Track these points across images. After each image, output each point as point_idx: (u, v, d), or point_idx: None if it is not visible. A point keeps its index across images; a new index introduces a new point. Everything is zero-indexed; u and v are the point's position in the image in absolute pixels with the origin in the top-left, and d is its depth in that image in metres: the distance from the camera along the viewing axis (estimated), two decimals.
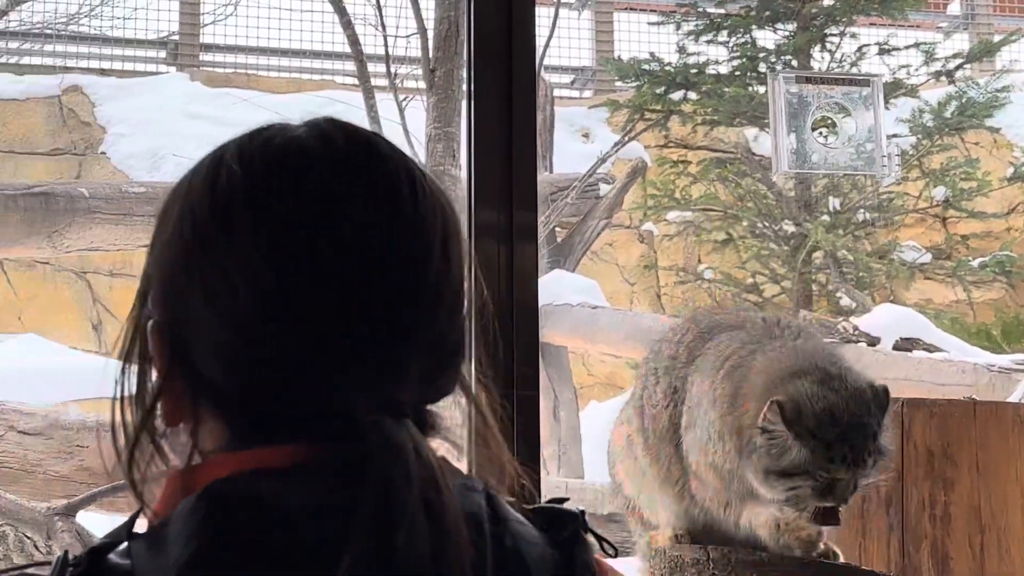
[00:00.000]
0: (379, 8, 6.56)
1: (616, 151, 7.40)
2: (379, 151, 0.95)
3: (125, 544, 0.87)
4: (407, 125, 6.49)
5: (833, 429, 1.82)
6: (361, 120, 6.53)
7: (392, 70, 6.66)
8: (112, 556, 0.87)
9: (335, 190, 0.91)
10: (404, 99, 6.62)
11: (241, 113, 8.48)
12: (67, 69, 9.05)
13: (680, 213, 8.22)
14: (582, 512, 0.97)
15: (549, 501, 1.01)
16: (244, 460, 0.89)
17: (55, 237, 6.17)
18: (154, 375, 0.94)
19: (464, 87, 6.25)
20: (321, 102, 8.39)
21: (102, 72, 9.06)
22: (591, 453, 6.59)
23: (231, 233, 0.90)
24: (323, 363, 0.89)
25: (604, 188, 7.29)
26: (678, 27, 8.07)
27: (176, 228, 0.92)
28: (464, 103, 6.28)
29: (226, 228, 0.91)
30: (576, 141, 8.68)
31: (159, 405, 0.93)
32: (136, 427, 0.94)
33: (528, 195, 1.84)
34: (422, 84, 6.71)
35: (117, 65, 9.21)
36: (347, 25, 6.57)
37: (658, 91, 7.66)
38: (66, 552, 0.89)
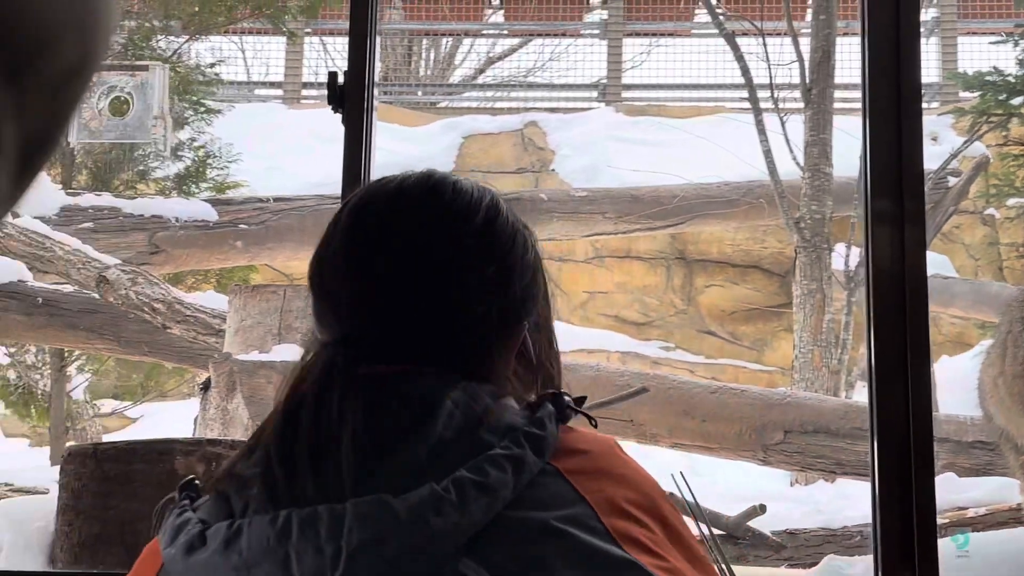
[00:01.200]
0: (764, 43, 6.46)
1: (964, 148, 6.90)
2: (454, 187, 0.92)
3: None
4: (787, 135, 6.35)
5: None
6: (750, 132, 6.49)
7: (774, 92, 6.53)
8: None
9: (410, 222, 0.90)
10: (784, 116, 6.47)
11: (654, 135, 8.59)
12: (527, 109, 9.41)
13: (1019, 199, 7.58)
14: (560, 396, 0.87)
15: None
16: None
17: None
18: None
19: (833, 104, 6.13)
20: (716, 121, 8.33)
21: (551, 110, 9.38)
22: (942, 396, 6.25)
23: (337, 247, 0.93)
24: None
25: (952, 180, 6.84)
26: (1016, 44, 7.42)
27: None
28: (835, 116, 6.13)
29: (334, 243, 0.95)
30: (927, 144, 8.17)
31: None
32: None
33: (915, 186, 1.76)
34: (795, 104, 6.55)
35: (562, 104, 9.52)
36: (739, 59, 6.49)
37: (1000, 98, 7.07)
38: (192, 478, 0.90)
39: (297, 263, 6.25)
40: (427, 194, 0.91)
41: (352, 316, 0.89)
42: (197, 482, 0.88)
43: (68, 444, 5.28)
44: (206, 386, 4.01)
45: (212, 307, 4.74)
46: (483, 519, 0.76)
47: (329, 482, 0.78)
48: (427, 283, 0.88)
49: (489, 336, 0.89)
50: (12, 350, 6.64)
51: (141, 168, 6.63)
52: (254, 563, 0.76)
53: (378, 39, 2.44)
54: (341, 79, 2.47)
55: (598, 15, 9.87)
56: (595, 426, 0.92)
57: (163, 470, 2.53)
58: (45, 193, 5.69)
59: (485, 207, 0.92)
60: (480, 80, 10.23)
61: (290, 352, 4.15)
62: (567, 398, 0.88)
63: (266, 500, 0.79)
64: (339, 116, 2.41)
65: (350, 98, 2.47)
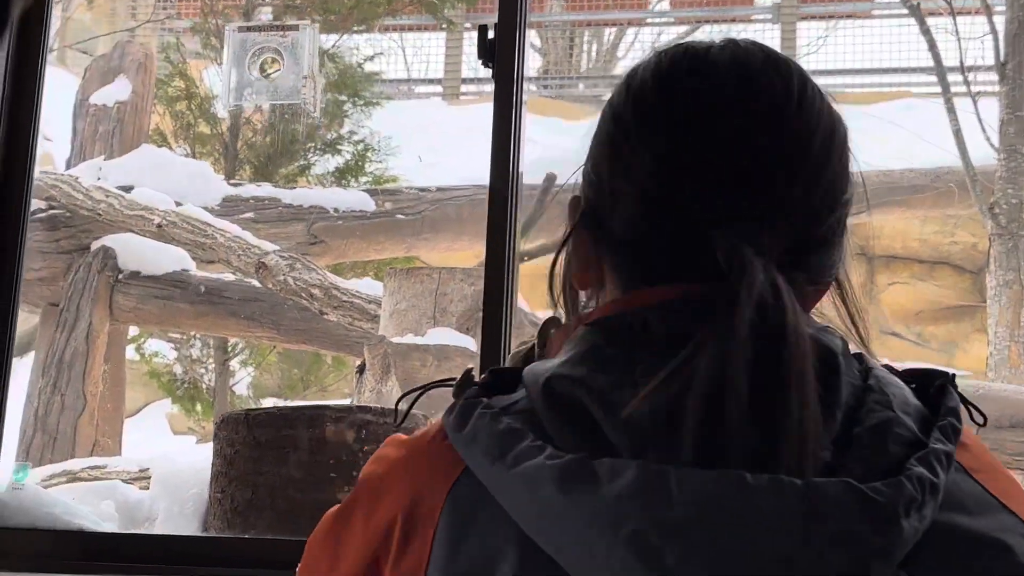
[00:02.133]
0: (954, 17, 6.20)
1: None
2: (773, 56, 0.86)
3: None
4: (980, 114, 6.06)
5: None
6: (937, 115, 6.21)
7: (965, 71, 6.25)
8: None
9: (727, 81, 0.84)
10: (976, 95, 6.18)
11: None
12: None
13: None
14: (953, 374, 0.80)
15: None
16: (626, 301, 0.83)
17: None
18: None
19: None
20: (901, 105, 8.02)
21: None
22: None
23: (641, 116, 0.85)
24: (703, 214, 0.80)
25: None
26: None
27: (600, 123, 0.89)
28: None
29: (637, 113, 0.86)
30: None
31: (573, 261, 0.88)
32: (558, 275, 0.90)
33: None
34: (989, 82, 6.24)
35: None
36: (926, 32, 6.23)
37: None
38: (470, 369, 0.85)
39: (452, 254, 6.34)
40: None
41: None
42: (473, 373, 0.83)
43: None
44: (361, 369, 4.10)
45: (368, 293, 4.86)
46: (924, 527, 0.68)
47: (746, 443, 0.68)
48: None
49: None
50: (178, 345, 6.97)
51: (302, 163, 6.87)
52: (713, 528, 0.65)
53: None
54: (492, 33, 2.48)
55: None
56: (984, 424, 0.87)
57: (313, 436, 2.59)
58: (208, 183, 5.97)
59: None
60: None
61: (444, 335, 4.20)
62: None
63: (699, 449, 0.68)
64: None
65: (501, 51, 2.48)
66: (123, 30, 8.14)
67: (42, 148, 3.62)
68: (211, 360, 6.89)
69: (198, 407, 6.97)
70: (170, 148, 6.71)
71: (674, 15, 9.89)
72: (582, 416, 0.72)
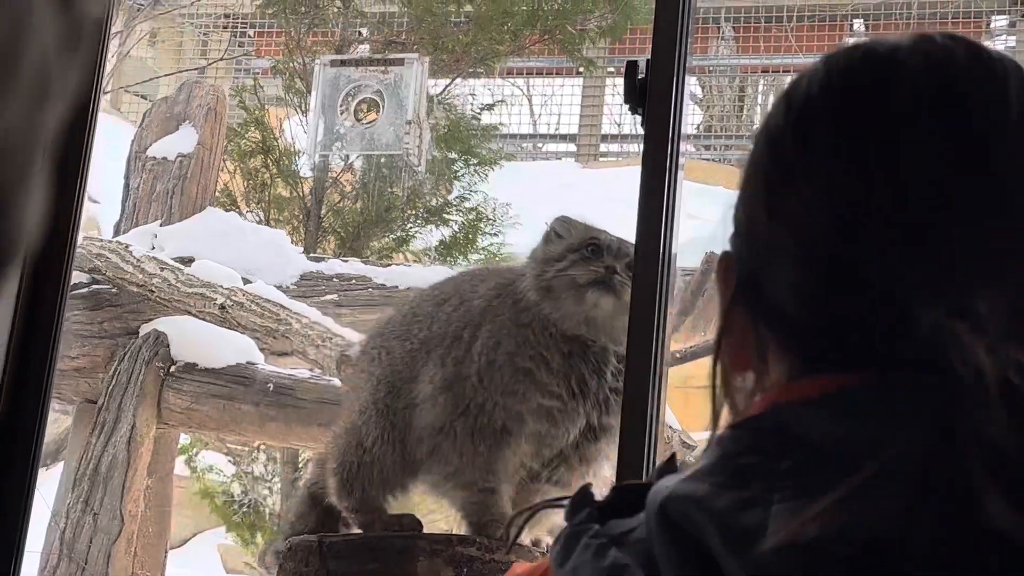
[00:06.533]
0: None
1: None
2: (983, 54, 0.83)
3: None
4: None
5: None
6: None
7: None
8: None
9: (922, 94, 0.81)
10: None
11: None
12: None
13: None
14: None
15: None
16: (783, 392, 0.81)
17: None
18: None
19: None
20: None
21: None
22: None
23: (806, 144, 0.84)
24: (893, 280, 0.78)
25: None
26: None
27: (753, 150, 0.87)
28: None
29: (801, 139, 0.84)
30: None
31: (724, 346, 0.87)
32: (712, 366, 0.87)
33: None
34: None
35: None
36: None
37: None
38: (587, 485, 0.84)
39: None
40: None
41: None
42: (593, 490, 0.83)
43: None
44: None
45: None
46: None
47: None
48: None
49: None
50: (237, 458, 7.08)
51: (399, 234, 7.00)
52: None
53: (690, 19, 2.48)
54: (643, 70, 2.52)
55: (1002, 41, 9.61)
56: None
57: (402, 572, 2.60)
58: (284, 256, 6.12)
59: None
60: None
61: None
62: None
63: None
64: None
65: (653, 97, 2.51)
66: (190, 69, 8.45)
67: (87, 210, 3.76)
68: (276, 479, 6.96)
69: (258, 538, 7.02)
70: (240, 213, 6.90)
71: None
72: (698, 548, 0.71)
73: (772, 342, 0.84)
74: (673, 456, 0.87)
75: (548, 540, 2.46)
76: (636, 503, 0.78)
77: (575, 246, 2.36)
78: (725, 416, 0.88)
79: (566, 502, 0.82)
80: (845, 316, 0.80)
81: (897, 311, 0.78)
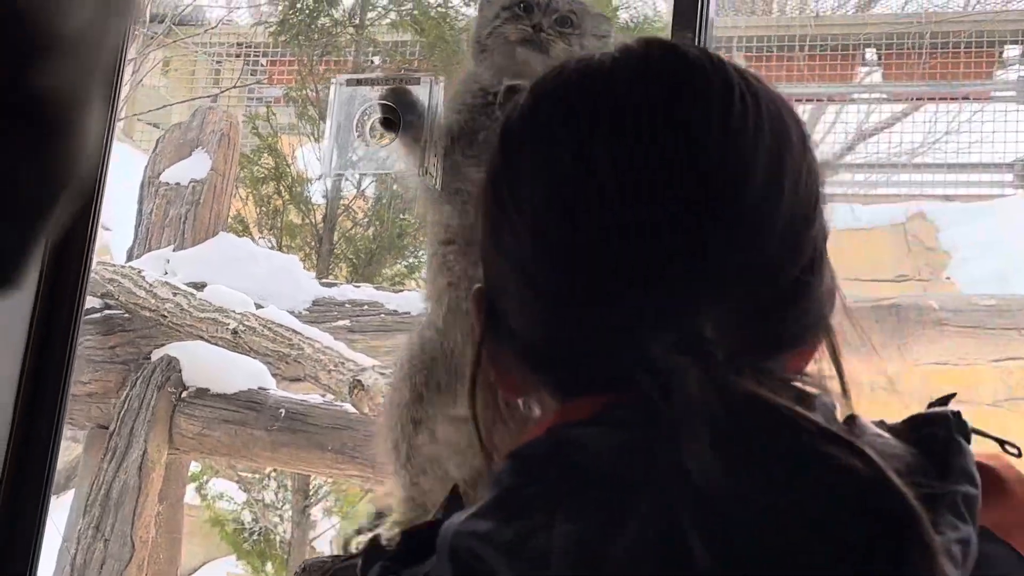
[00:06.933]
0: None
1: None
2: (687, 59, 0.82)
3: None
4: None
5: None
6: None
7: None
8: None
9: (623, 104, 0.80)
10: None
11: None
12: (912, 197, 9.23)
13: None
14: (955, 413, 0.79)
15: (928, 406, 0.83)
16: (561, 414, 0.82)
17: (904, 350, 6.27)
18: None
19: None
20: None
21: (945, 198, 9.14)
22: None
23: (512, 167, 0.83)
24: (614, 307, 0.77)
25: None
26: None
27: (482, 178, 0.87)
28: None
29: (507, 163, 0.84)
30: None
31: (496, 376, 0.87)
32: (468, 396, 0.88)
33: None
34: None
35: (961, 190, 9.26)
36: None
37: None
38: (375, 537, 0.85)
39: None
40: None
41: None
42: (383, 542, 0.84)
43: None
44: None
45: None
46: None
47: None
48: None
49: None
50: (247, 485, 7.07)
51: (411, 261, 6.99)
52: None
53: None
54: None
55: (1015, 71, 9.59)
56: (1020, 454, 0.89)
57: None
58: (297, 282, 6.12)
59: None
60: (850, 159, 10.12)
61: None
62: None
63: None
64: None
65: None
66: (203, 97, 8.50)
67: (100, 236, 3.77)
68: (288, 506, 6.95)
69: (268, 566, 7.00)
70: (252, 239, 6.91)
71: (887, 89, 9.87)
72: None
73: (524, 369, 0.85)
74: (455, 487, 0.87)
75: None
76: (427, 545, 0.78)
77: (507, 4, 2.37)
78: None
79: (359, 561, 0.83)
80: (569, 341, 0.81)
81: (623, 341, 0.77)
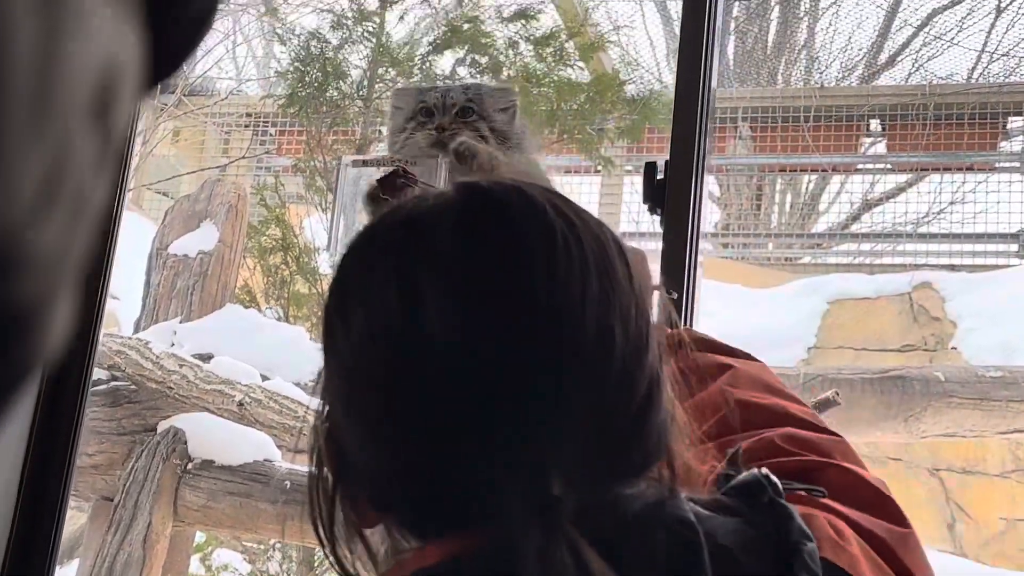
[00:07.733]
0: None
1: None
2: (508, 211, 0.82)
3: None
4: None
5: None
6: None
7: None
8: None
9: (448, 265, 0.80)
10: None
11: None
12: (917, 267, 9.24)
13: None
14: (765, 476, 0.82)
15: (723, 475, 0.85)
16: (417, 559, 0.83)
17: (911, 422, 6.26)
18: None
19: None
20: None
21: (951, 268, 9.15)
22: None
23: (345, 321, 0.83)
24: (454, 455, 0.78)
25: None
26: None
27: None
28: None
29: (341, 315, 0.84)
30: None
31: (346, 509, 0.88)
32: (323, 534, 0.89)
33: None
34: None
35: (967, 260, 9.28)
36: None
37: None
38: None
39: None
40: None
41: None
42: None
43: None
44: None
45: None
46: None
47: None
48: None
49: None
50: (252, 556, 7.03)
51: None
52: None
53: (707, 119, 2.51)
54: (661, 171, 2.55)
55: (1020, 142, 9.64)
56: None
57: None
58: (303, 353, 6.13)
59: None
60: (855, 228, 10.16)
61: None
62: None
63: None
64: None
65: (672, 198, 2.53)
66: (212, 167, 8.56)
67: (107, 307, 3.79)
68: None
69: None
70: (259, 309, 6.93)
71: (892, 159, 9.92)
72: None
73: (385, 511, 0.86)
74: None
75: None
76: None
77: (410, 114, 2.40)
78: None
79: None
80: (418, 488, 0.82)
81: (468, 487, 0.79)
